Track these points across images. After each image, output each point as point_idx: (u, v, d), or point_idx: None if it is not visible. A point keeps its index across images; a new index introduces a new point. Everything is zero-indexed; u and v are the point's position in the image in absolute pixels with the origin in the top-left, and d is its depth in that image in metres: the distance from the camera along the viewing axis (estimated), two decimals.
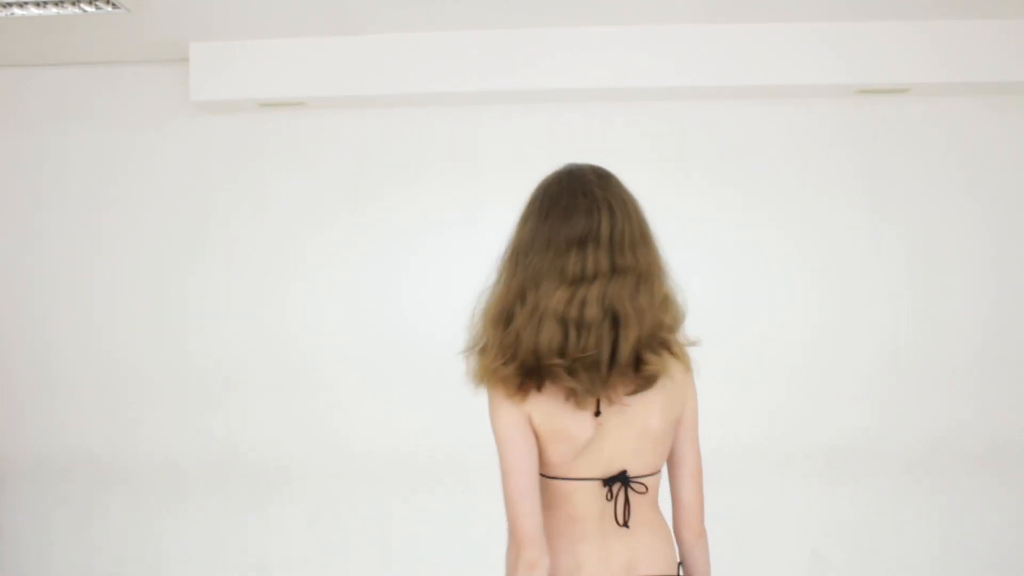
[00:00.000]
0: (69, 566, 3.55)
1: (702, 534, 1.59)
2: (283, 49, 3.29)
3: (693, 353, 1.65)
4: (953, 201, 3.44)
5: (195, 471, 3.51)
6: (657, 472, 1.56)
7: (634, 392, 1.47)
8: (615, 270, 1.44)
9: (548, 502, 1.52)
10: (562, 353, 1.42)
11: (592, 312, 1.42)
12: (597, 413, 1.47)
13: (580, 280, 1.43)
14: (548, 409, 1.46)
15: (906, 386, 3.43)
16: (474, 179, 3.47)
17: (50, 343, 3.55)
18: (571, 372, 1.42)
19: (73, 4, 2.78)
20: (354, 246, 3.49)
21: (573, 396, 1.44)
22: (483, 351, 1.49)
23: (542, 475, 1.51)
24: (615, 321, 1.43)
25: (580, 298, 1.42)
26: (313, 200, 3.49)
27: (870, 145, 3.44)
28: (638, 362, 1.45)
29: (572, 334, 1.42)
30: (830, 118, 3.43)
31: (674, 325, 1.52)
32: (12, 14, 2.82)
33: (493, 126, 3.47)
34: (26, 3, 2.76)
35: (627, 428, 1.49)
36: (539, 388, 1.46)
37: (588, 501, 1.50)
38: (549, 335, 1.41)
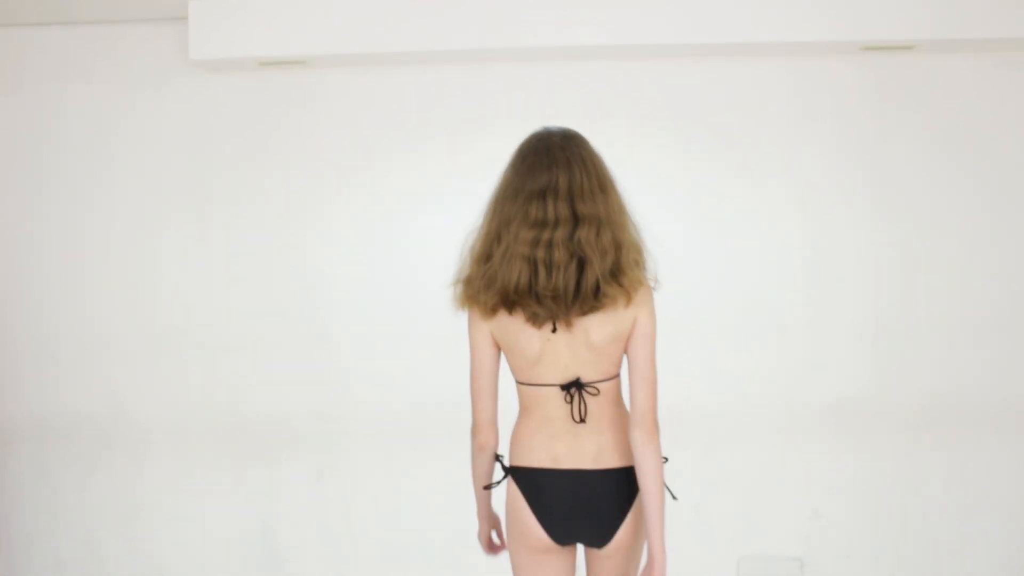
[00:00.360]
0: (71, 528, 3.58)
1: (652, 436, 1.81)
2: (283, 7, 3.25)
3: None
4: (957, 160, 3.42)
5: (198, 430, 3.53)
6: (611, 378, 1.88)
7: (587, 314, 1.78)
8: (576, 217, 1.75)
9: (525, 406, 1.91)
10: (531, 288, 1.75)
11: (560, 254, 1.74)
12: (554, 330, 1.80)
13: (543, 225, 1.75)
14: (507, 327, 1.82)
15: (904, 344, 3.44)
16: (480, 137, 3.45)
17: (49, 305, 3.55)
18: (539, 301, 1.76)
19: None
20: (358, 205, 3.48)
21: (534, 319, 1.79)
22: (467, 282, 1.86)
23: (518, 383, 1.91)
24: (581, 261, 1.74)
25: (546, 241, 1.74)
26: (315, 160, 3.48)
27: (873, 104, 3.42)
28: (597, 292, 1.75)
29: (541, 272, 1.74)
30: (832, 76, 3.40)
31: (632, 262, 1.79)
32: None
33: (497, 83, 3.44)
34: None
35: (574, 342, 1.81)
36: (509, 312, 1.81)
37: (555, 404, 1.85)
38: (518, 272, 1.75)
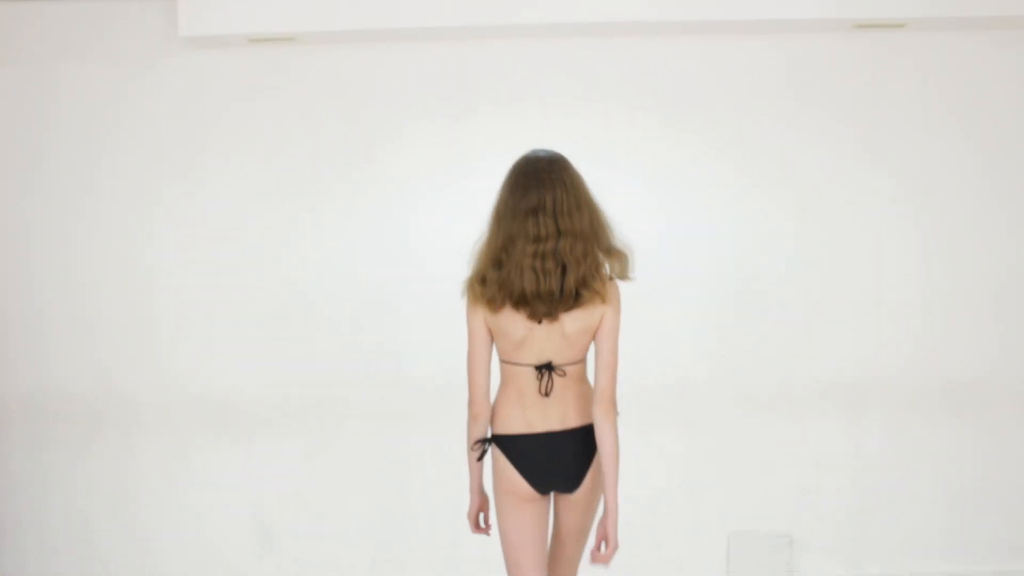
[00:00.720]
0: (63, 507, 3.59)
1: (609, 413, 2.19)
2: None
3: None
4: (949, 140, 3.43)
5: (189, 410, 3.53)
6: (576, 363, 2.25)
7: (569, 311, 2.16)
8: (560, 231, 2.12)
9: (505, 379, 2.28)
10: (537, 292, 2.12)
11: (549, 264, 2.12)
12: (539, 322, 2.17)
13: (538, 240, 2.11)
14: (501, 318, 2.19)
15: (898, 321, 3.46)
16: (470, 116, 3.44)
17: (40, 285, 3.54)
18: (541, 301, 2.14)
19: None
20: (349, 183, 3.47)
21: (533, 315, 2.16)
22: (483, 282, 2.18)
23: (501, 360, 2.26)
24: (564, 268, 2.12)
25: (541, 253, 2.11)
26: (305, 136, 3.47)
27: (865, 82, 3.42)
28: (576, 295, 2.14)
29: (541, 279, 2.11)
30: (825, 54, 3.40)
31: (595, 269, 2.16)
32: None
33: (490, 61, 3.43)
34: None
35: (551, 333, 2.19)
36: (515, 308, 2.17)
37: (528, 380, 2.22)
38: (529, 280, 2.12)
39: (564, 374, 2.23)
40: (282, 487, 3.55)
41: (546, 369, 2.21)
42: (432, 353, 3.47)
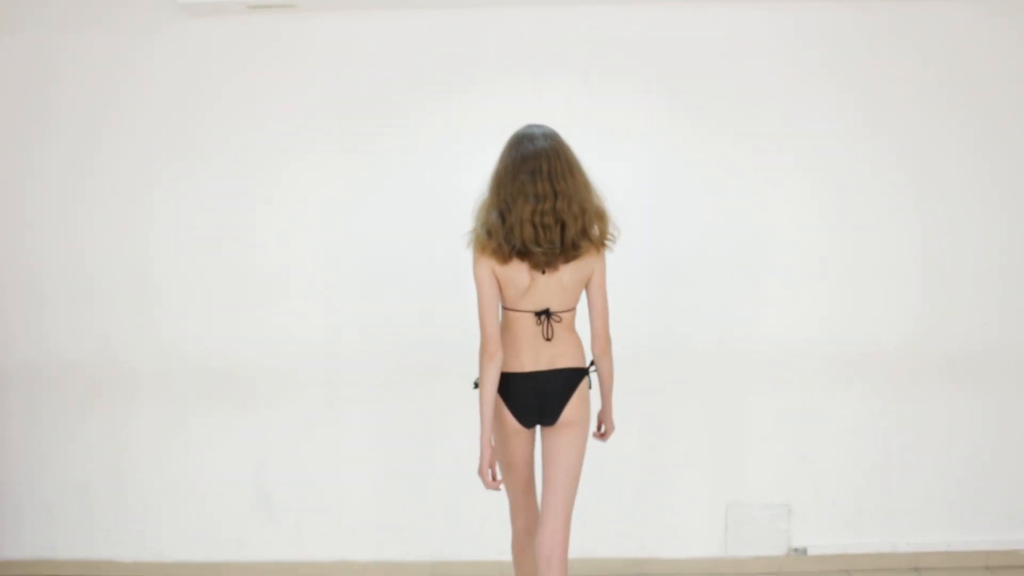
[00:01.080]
0: (62, 473, 3.60)
1: (606, 350, 2.56)
2: None
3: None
4: (956, 106, 3.41)
5: (189, 377, 3.54)
6: (570, 310, 2.53)
7: (568, 262, 2.43)
8: (556, 192, 2.38)
9: (505, 325, 2.54)
10: (537, 243, 2.37)
11: (548, 220, 2.38)
12: (543, 272, 2.44)
13: (537, 199, 2.37)
14: (508, 269, 2.44)
15: (894, 290, 3.46)
16: (468, 84, 3.43)
17: (40, 251, 3.54)
18: (542, 252, 2.39)
19: None
20: (348, 151, 3.46)
21: (537, 265, 2.43)
22: (489, 235, 2.42)
23: (503, 308, 2.53)
24: (563, 225, 2.38)
25: (540, 211, 2.37)
26: (304, 105, 3.45)
27: (870, 50, 3.40)
28: (574, 246, 2.41)
29: (541, 233, 2.37)
30: (829, 21, 3.38)
31: (595, 225, 2.44)
32: None
33: (492, 29, 3.41)
34: None
35: (551, 282, 2.46)
36: (520, 259, 2.43)
37: (527, 325, 2.51)
38: (529, 234, 2.37)
39: (560, 320, 2.51)
40: (282, 454, 3.56)
41: (544, 315, 2.48)
42: (431, 322, 3.47)
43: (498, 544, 3.51)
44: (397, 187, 3.47)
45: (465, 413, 3.35)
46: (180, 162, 3.49)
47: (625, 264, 3.33)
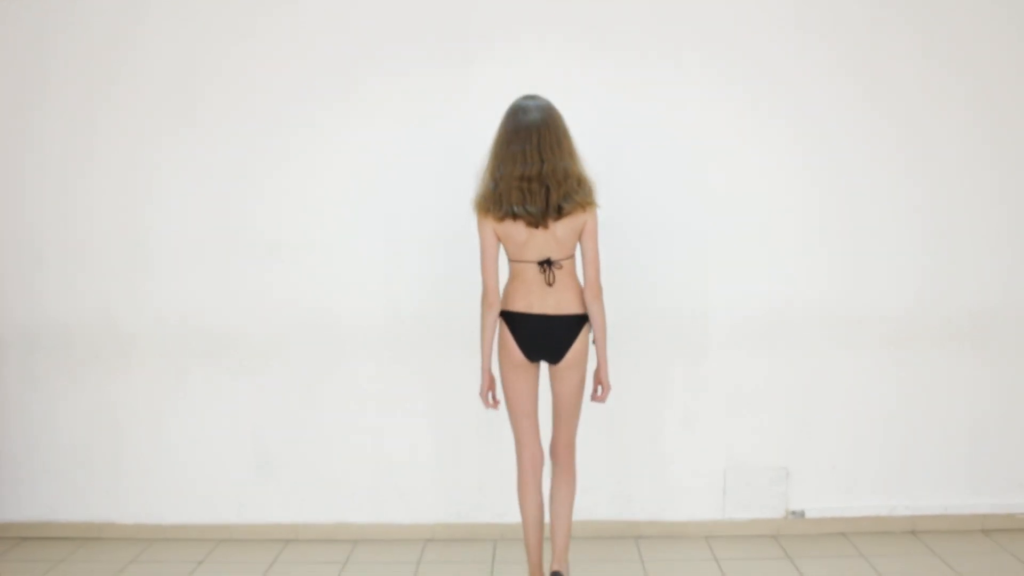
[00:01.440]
0: (59, 437, 3.60)
1: (597, 296, 2.78)
2: None
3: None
4: (955, 72, 3.38)
5: (187, 340, 3.53)
6: (569, 258, 2.78)
7: (557, 221, 2.71)
8: (543, 160, 2.66)
9: (513, 274, 2.83)
10: (523, 206, 2.67)
11: (534, 186, 2.67)
12: (536, 228, 2.71)
13: (524, 165, 2.66)
14: (507, 227, 2.74)
15: (892, 255, 3.45)
16: (466, 41, 3.38)
17: (36, 214, 3.52)
18: (529, 214, 2.68)
19: None
20: (347, 109, 3.42)
21: (530, 224, 2.71)
22: (485, 198, 2.73)
23: (510, 260, 2.81)
24: (547, 189, 2.66)
25: (527, 176, 2.66)
26: (307, 72, 3.41)
27: (870, 14, 3.36)
28: (559, 209, 2.68)
29: (527, 197, 2.67)
30: None
31: (578, 189, 2.69)
32: None
33: None
34: None
35: (547, 236, 2.73)
36: (513, 220, 2.72)
37: (532, 274, 2.78)
38: (516, 198, 2.68)
39: (561, 267, 2.77)
40: (281, 417, 3.55)
41: (546, 264, 2.74)
42: (429, 285, 3.46)
43: (496, 507, 3.53)
44: (393, 150, 3.43)
45: (465, 377, 3.36)
46: (176, 122, 3.45)
47: (620, 225, 3.32)
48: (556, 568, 2.83)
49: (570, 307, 2.79)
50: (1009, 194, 3.43)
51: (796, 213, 3.44)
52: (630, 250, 3.40)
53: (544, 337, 2.80)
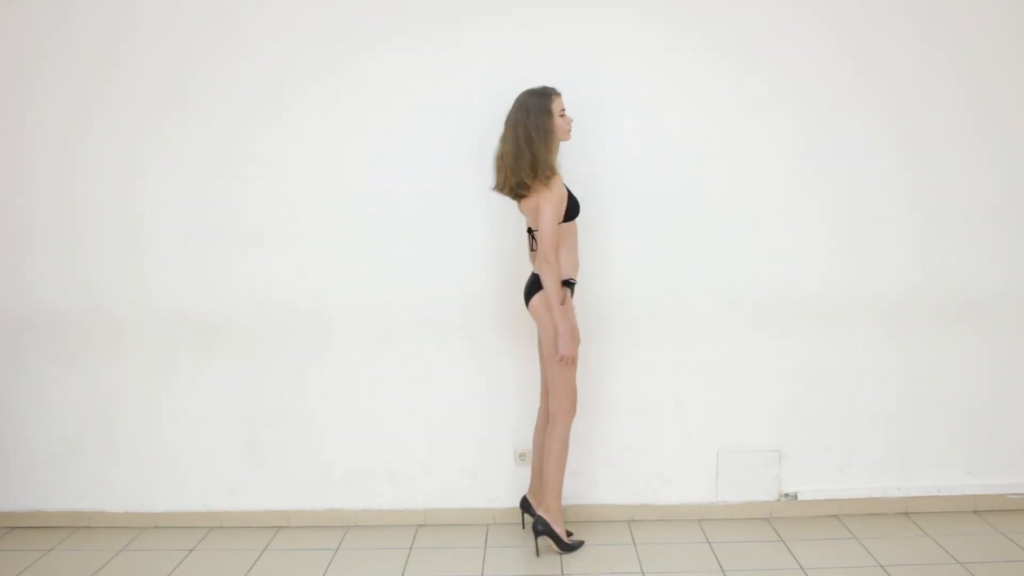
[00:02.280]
0: (51, 422, 3.59)
1: (543, 265, 3.04)
2: None
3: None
4: (943, 43, 3.37)
5: (177, 326, 3.51)
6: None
7: (520, 199, 3.09)
8: (516, 143, 3.01)
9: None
10: (498, 184, 3.11)
11: (505, 169, 3.05)
12: (517, 200, 3.12)
13: (503, 152, 3.05)
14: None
15: (883, 236, 3.44)
16: (459, 18, 3.34)
17: (26, 200, 3.49)
18: (502, 193, 3.13)
19: None
20: (336, 93, 3.39)
21: (511, 197, 3.12)
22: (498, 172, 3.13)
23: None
24: (509, 171, 3.04)
25: (498, 163, 3.08)
26: (291, 52, 3.38)
27: (854, 8, 3.34)
28: (518, 185, 3.04)
29: (498, 179, 3.10)
30: None
31: (533, 172, 2.99)
32: None
33: None
34: None
35: (525, 209, 3.11)
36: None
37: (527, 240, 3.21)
38: (498, 176, 3.10)
39: (533, 237, 3.15)
40: (272, 403, 3.54)
41: (529, 232, 3.14)
42: (422, 269, 3.43)
43: (488, 491, 3.52)
44: (384, 134, 3.40)
45: (457, 363, 3.34)
46: (168, 111, 3.42)
47: (616, 202, 3.30)
48: (540, 512, 3.17)
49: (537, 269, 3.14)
50: (1005, 178, 3.42)
51: (791, 196, 3.42)
52: (620, 234, 3.38)
53: (527, 294, 3.16)
